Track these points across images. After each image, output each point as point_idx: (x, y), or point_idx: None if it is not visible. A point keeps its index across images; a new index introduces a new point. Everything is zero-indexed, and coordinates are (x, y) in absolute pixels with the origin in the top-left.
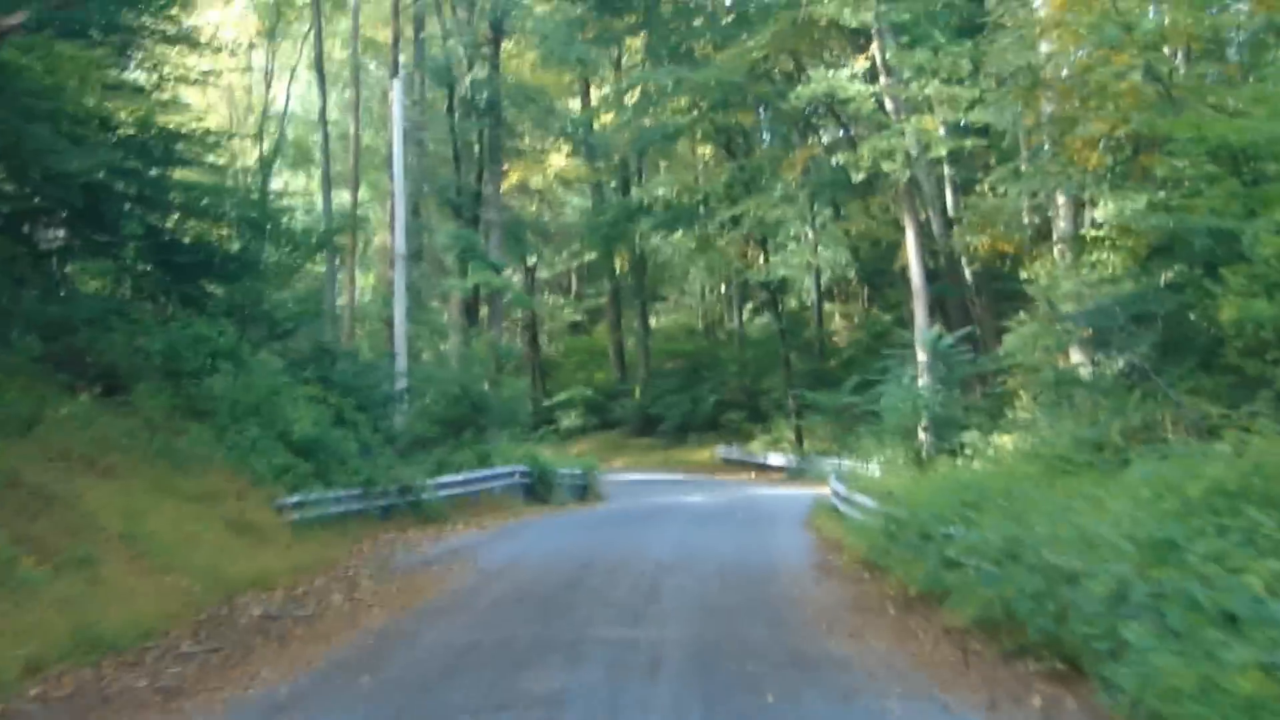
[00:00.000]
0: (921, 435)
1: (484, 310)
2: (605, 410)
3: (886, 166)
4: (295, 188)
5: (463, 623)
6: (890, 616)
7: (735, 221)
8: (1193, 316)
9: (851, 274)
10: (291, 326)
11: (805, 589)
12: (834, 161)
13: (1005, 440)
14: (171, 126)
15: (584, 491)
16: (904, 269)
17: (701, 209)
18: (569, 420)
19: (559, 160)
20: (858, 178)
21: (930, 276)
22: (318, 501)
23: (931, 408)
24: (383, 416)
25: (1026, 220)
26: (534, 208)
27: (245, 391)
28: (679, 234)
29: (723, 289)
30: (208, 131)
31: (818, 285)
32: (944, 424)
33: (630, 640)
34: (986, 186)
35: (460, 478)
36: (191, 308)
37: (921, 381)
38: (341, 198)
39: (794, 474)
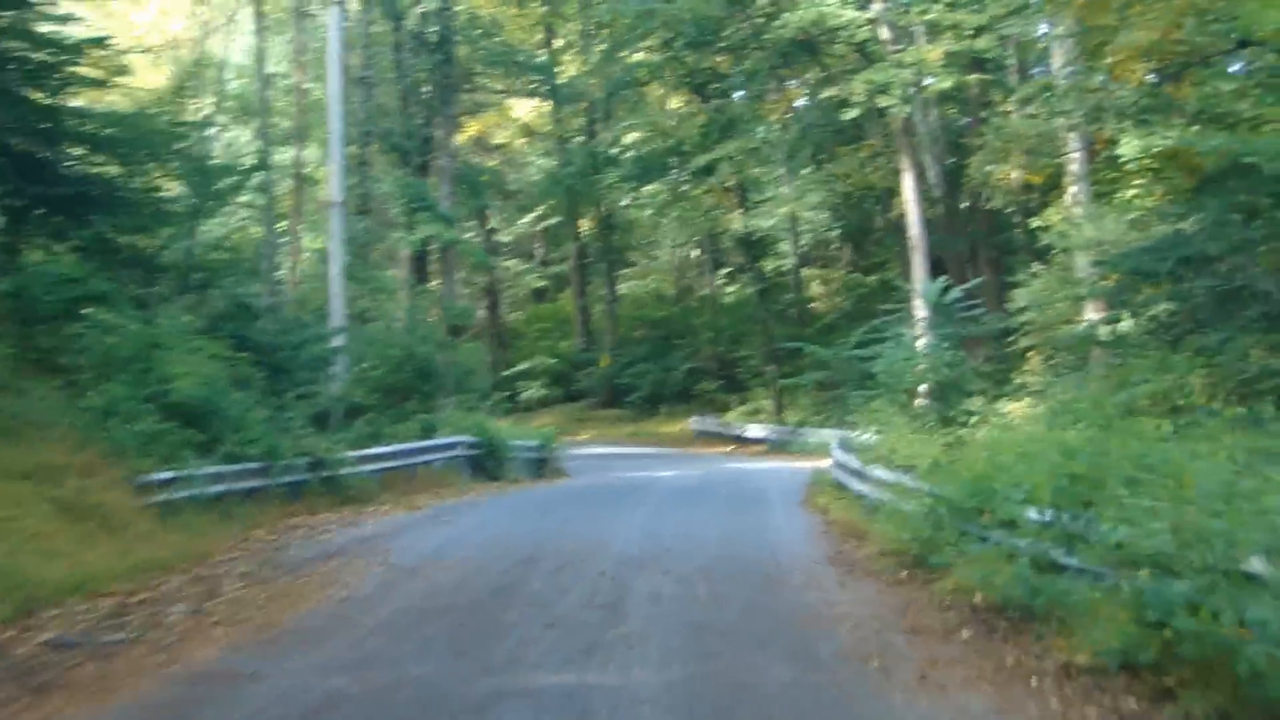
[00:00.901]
0: (919, 401)
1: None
2: (570, 380)
3: (883, 101)
4: (242, 142)
5: (329, 657)
6: (965, 643)
7: (710, 171)
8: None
9: (835, 234)
10: (204, 279)
11: (827, 594)
12: (821, 99)
13: (1014, 408)
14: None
15: (542, 466)
16: (897, 220)
17: (674, 159)
18: (531, 391)
19: (521, 109)
20: (849, 116)
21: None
22: (195, 479)
23: (938, 369)
24: (310, 381)
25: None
26: (494, 164)
27: (120, 345)
28: (651, 187)
29: (696, 252)
30: (94, 43)
31: (795, 245)
32: (951, 388)
33: (577, 695)
34: (1009, 107)
35: (390, 449)
36: (66, 244)
37: (921, 342)
38: (286, 156)
39: (776, 446)
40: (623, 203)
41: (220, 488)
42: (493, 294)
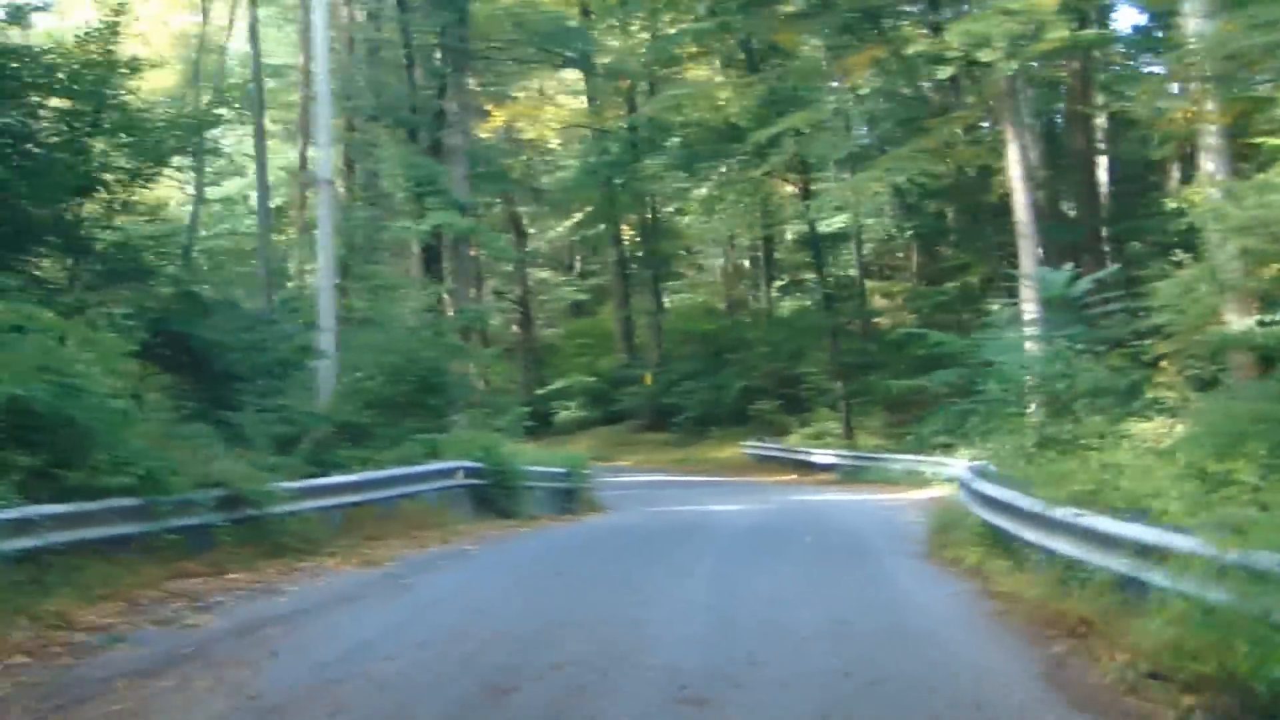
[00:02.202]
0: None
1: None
2: (610, 401)
3: (984, 56)
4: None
5: None
6: None
7: (769, 151)
8: None
9: (903, 238)
10: (135, 265)
11: None
12: (908, 56)
13: (1143, 429)
14: None
15: (570, 499)
16: (997, 203)
17: (726, 144)
18: (568, 412)
19: (551, 90)
20: (942, 74)
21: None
22: None
23: (1061, 377)
24: (275, 392)
25: None
26: (524, 158)
27: None
28: (697, 178)
29: (748, 261)
30: None
31: (859, 251)
32: (1080, 400)
33: None
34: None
35: (353, 479)
36: None
37: (1031, 346)
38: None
39: (848, 475)
40: (668, 206)
41: (41, 539)
42: (525, 306)
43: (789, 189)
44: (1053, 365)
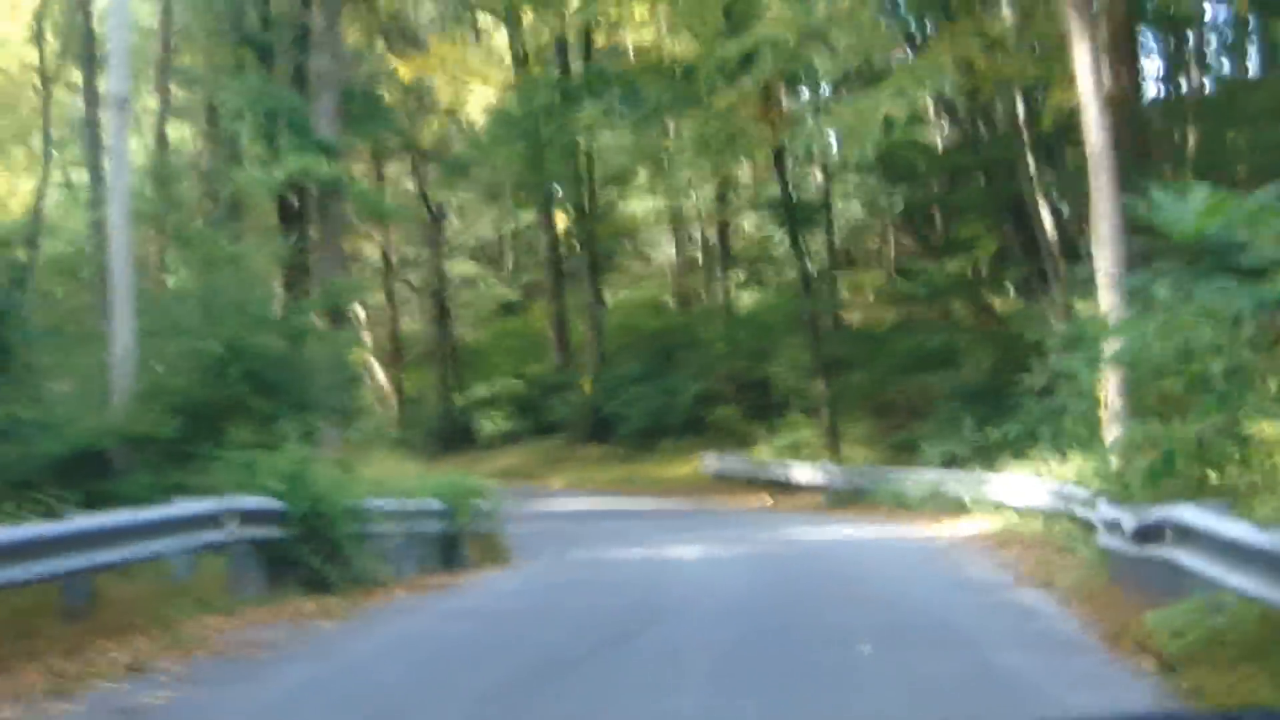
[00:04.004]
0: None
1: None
2: (542, 410)
3: None
4: None
5: None
6: None
7: (739, 73)
8: None
9: (894, 203)
10: None
11: None
12: None
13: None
14: None
15: (452, 547)
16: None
17: (680, 81)
18: (492, 424)
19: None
20: None
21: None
22: None
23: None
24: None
25: None
26: (435, 126)
27: None
28: (646, 133)
29: (700, 256)
30: None
31: (830, 231)
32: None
33: None
34: None
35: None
36: None
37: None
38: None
39: (841, 498)
40: (610, 185)
41: None
42: (440, 302)
43: (762, 133)
44: (1203, 335)
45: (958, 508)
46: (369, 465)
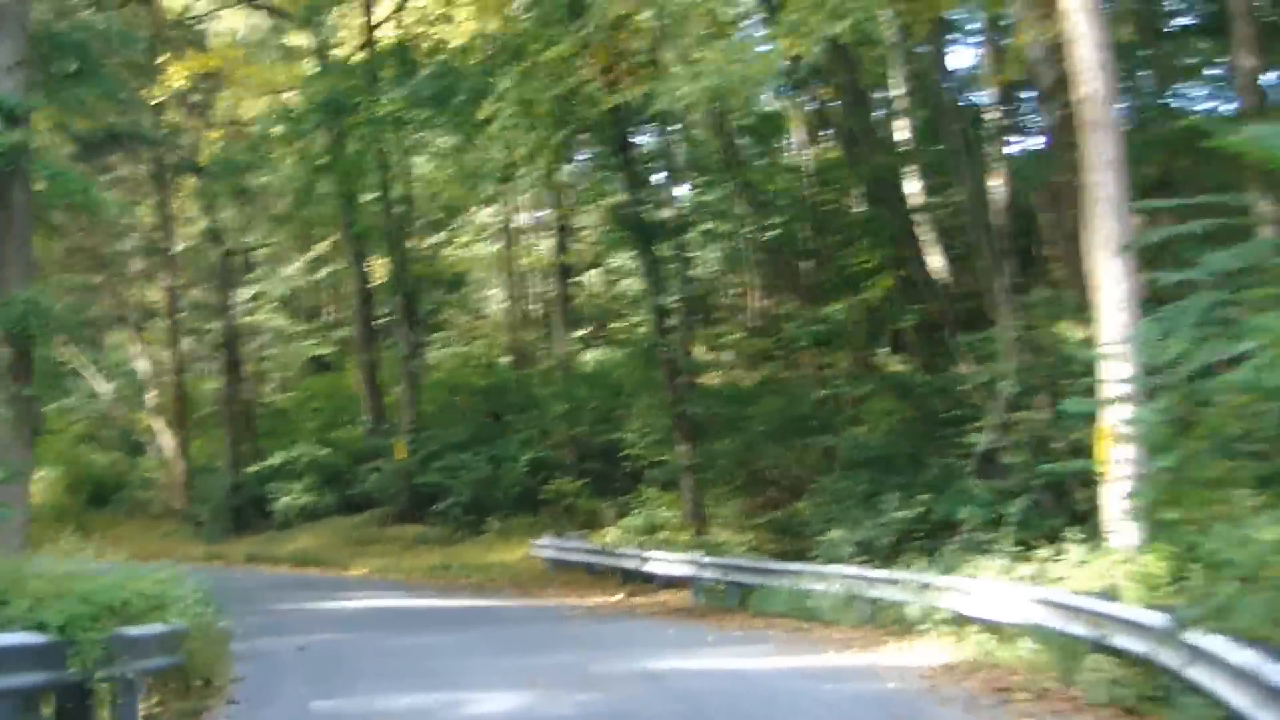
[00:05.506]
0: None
1: None
2: (350, 481)
3: None
4: None
5: None
6: None
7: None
8: None
9: (761, 237)
10: None
11: None
12: None
13: None
14: None
15: (71, 713)
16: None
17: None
18: (291, 498)
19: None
20: None
21: None
22: None
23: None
24: None
25: None
26: (214, 136)
27: None
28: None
29: (538, 306)
30: None
31: (684, 274)
32: None
33: None
34: None
35: None
36: None
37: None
38: None
39: (715, 598)
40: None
41: None
42: (231, 353)
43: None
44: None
45: (894, 620)
46: None
